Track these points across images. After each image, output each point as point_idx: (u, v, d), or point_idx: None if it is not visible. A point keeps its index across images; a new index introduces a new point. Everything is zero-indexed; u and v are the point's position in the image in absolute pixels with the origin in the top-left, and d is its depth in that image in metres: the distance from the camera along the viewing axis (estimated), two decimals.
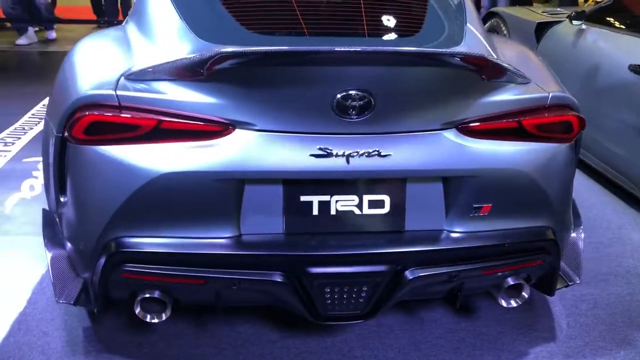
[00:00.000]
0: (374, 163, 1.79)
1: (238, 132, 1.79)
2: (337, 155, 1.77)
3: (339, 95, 1.72)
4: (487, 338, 2.36)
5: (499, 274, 2.00)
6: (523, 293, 2.10)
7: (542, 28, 4.46)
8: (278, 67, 1.75)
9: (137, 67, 1.87)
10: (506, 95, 1.91)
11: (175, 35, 1.96)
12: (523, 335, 2.38)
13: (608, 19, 3.92)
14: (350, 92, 1.72)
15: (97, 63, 2.05)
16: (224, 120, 1.78)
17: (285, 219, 1.86)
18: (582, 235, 2.33)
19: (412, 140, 1.82)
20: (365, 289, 1.87)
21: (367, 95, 1.73)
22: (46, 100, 4.56)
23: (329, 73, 1.74)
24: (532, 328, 2.43)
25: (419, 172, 1.85)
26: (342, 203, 1.86)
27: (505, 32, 5.02)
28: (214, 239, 1.84)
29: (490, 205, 1.91)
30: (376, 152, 1.78)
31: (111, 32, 2.37)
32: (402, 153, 1.81)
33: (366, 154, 1.78)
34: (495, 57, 2.05)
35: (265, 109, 1.77)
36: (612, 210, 3.48)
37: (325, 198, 1.85)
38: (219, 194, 1.81)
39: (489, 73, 1.85)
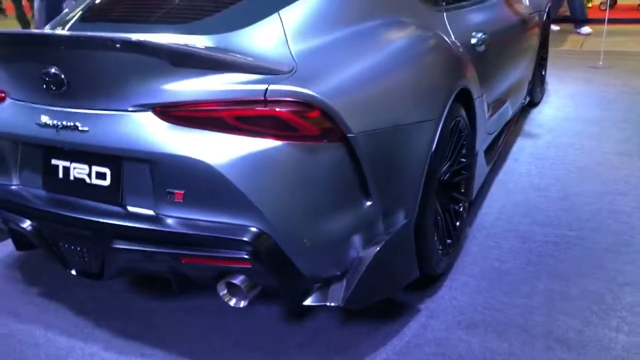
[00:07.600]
0: (77, 137, 1.97)
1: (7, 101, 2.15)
2: (51, 126, 2.01)
3: (42, 71, 1.96)
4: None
5: (207, 265, 1.92)
6: (238, 296, 1.99)
7: None
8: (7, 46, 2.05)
9: None
10: (219, 85, 1.83)
11: None
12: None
13: None
14: (50, 69, 1.94)
15: None
16: None
17: (43, 178, 2.16)
18: (375, 251, 1.97)
19: (103, 119, 1.95)
20: (85, 250, 2.07)
21: (59, 73, 1.93)
22: None
23: (37, 52, 1.98)
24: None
25: (110, 149, 1.95)
26: (78, 170, 2.09)
27: None
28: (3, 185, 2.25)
29: (182, 192, 1.89)
30: (75, 127, 1.97)
31: None
32: (96, 130, 1.95)
33: (70, 127, 1.98)
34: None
35: (14, 80, 2.09)
36: None
37: (66, 164, 2.10)
38: (3, 150, 2.22)
39: (178, 61, 1.81)
